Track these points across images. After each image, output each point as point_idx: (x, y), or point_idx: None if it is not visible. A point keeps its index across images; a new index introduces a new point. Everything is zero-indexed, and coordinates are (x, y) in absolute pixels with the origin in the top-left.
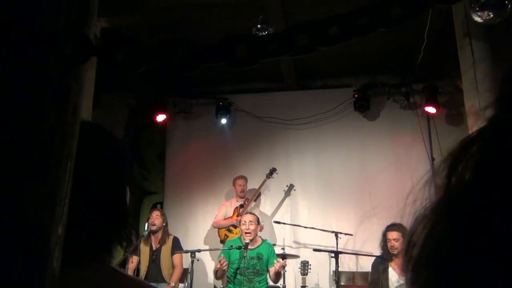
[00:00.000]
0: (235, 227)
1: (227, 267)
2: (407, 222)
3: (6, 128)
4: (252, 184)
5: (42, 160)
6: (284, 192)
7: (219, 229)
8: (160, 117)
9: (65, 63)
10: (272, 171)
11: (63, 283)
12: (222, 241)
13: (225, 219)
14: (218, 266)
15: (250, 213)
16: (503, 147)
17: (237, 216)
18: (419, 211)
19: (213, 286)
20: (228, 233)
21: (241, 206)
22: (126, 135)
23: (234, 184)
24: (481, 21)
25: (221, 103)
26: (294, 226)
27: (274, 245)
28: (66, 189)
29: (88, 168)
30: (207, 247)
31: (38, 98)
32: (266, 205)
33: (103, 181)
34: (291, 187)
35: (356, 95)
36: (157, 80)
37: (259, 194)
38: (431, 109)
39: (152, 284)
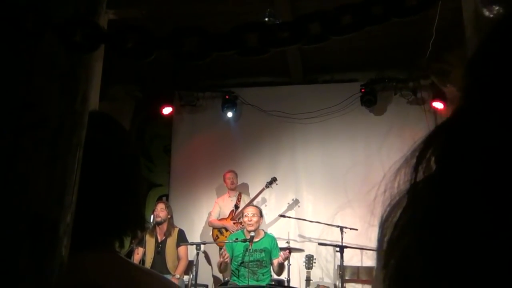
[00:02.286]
0: (227, 230)
1: (231, 260)
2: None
3: (16, 116)
4: (257, 177)
5: (51, 149)
6: (288, 204)
7: (212, 228)
8: (166, 110)
9: (75, 51)
10: (272, 180)
11: (72, 269)
12: (214, 240)
13: (219, 219)
14: (221, 259)
15: (254, 205)
16: (465, 138)
17: (231, 219)
18: (389, 200)
19: (217, 278)
20: (219, 235)
21: (236, 207)
22: (132, 128)
23: (223, 178)
24: (491, 15)
25: (227, 97)
26: (299, 220)
27: (279, 239)
28: (75, 178)
29: (99, 157)
30: (212, 240)
31: (47, 86)
32: (271, 199)
33: (114, 170)
34: (296, 201)
35: (363, 90)
36: (164, 73)
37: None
38: (438, 105)
39: None
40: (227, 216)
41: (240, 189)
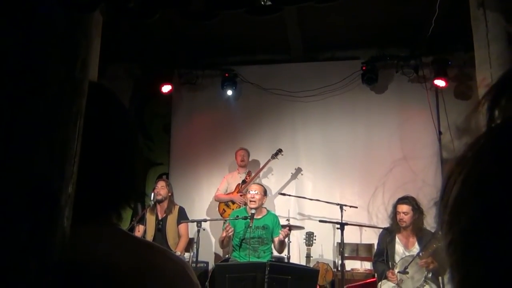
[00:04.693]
0: (233, 203)
1: (233, 236)
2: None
3: (14, 82)
4: (257, 156)
5: (51, 117)
6: (291, 174)
7: (219, 202)
8: (166, 88)
9: (75, 10)
10: (278, 152)
11: (72, 241)
12: (221, 215)
13: (226, 194)
14: (224, 234)
15: (259, 184)
16: None
17: (238, 192)
18: (458, 153)
19: (218, 255)
20: (226, 208)
21: (244, 182)
22: (132, 106)
23: (235, 156)
24: None
25: (227, 75)
26: (299, 198)
27: (279, 216)
28: (75, 148)
29: (96, 128)
30: (217, 215)
31: (46, 52)
32: (271, 177)
33: (111, 142)
34: (298, 170)
35: (364, 68)
36: (163, 51)
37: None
38: (440, 83)
39: None
40: (233, 191)
41: (250, 166)
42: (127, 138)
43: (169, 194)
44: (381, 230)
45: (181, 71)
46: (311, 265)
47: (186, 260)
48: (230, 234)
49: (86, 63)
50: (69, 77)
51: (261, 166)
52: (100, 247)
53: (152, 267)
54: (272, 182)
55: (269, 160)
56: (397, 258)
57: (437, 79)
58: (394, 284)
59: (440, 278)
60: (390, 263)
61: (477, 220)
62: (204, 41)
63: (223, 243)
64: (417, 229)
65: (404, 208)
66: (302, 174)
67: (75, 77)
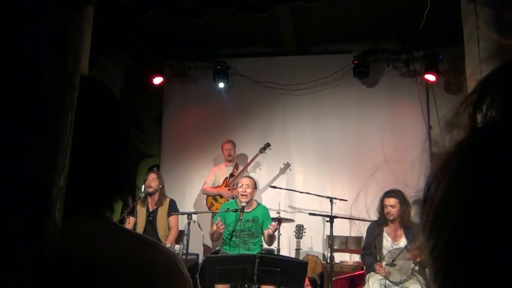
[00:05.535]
0: (221, 197)
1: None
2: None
3: (6, 76)
4: (248, 148)
5: (44, 110)
6: (280, 169)
7: (207, 196)
8: (157, 80)
9: (67, 5)
10: (266, 146)
11: (64, 233)
12: (209, 208)
13: (214, 187)
14: (215, 228)
15: (248, 176)
16: None
17: (226, 186)
18: (439, 154)
19: (208, 247)
20: (214, 202)
21: (231, 175)
22: (123, 98)
23: (221, 149)
24: None
25: (219, 67)
26: (289, 191)
27: (270, 209)
28: (67, 141)
29: (90, 121)
30: (206, 209)
31: (39, 46)
32: (261, 171)
33: (104, 134)
34: (287, 165)
35: (355, 62)
36: (155, 42)
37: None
38: (430, 77)
39: None
40: (221, 184)
41: (238, 159)
42: (120, 130)
43: (160, 187)
44: (369, 223)
45: (173, 63)
46: (301, 257)
47: (177, 252)
48: (221, 231)
49: (78, 57)
50: (61, 71)
51: (250, 159)
52: (92, 240)
53: (144, 260)
54: (262, 175)
55: (257, 154)
56: (385, 251)
57: (428, 73)
58: (381, 277)
59: (427, 270)
60: (378, 255)
61: (463, 225)
62: (197, 33)
63: (213, 236)
64: (404, 222)
65: (391, 201)
66: (290, 170)
67: (67, 71)
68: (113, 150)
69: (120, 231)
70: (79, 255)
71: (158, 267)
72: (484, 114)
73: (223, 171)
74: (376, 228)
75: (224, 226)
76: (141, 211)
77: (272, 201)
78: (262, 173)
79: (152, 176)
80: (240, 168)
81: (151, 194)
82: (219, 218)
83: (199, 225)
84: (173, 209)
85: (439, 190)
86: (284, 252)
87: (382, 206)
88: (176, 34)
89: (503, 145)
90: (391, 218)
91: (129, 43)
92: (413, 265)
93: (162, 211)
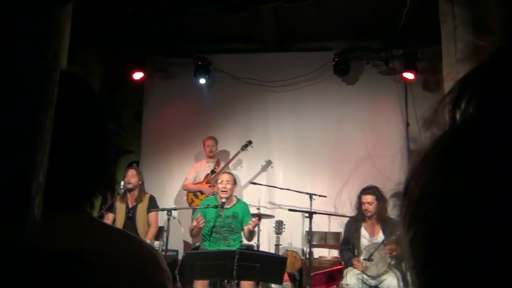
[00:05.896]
0: (202, 193)
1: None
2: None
3: None
4: (229, 145)
5: (23, 105)
6: (261, 166)
7: (188, 192)
8: (137, 75)
9: (47, 2)
10: (248, 143)
11: (43, 229)
12: (189, 204)
13: (195, 183)
14: (195, 224)
15: (228, 172)
16: (510, 75)
17: (207, 182)
18: (421, 151)
19: (188, 243)
20: (194, 198)
21: (212, 171)
22: (102, 93)
23: (203, 145)
24: None
25: (200, 63)
26: (270, 188)
27: (250, 205)
28: (47, 137)
29: (70, 117)
30: (186, 205)
31: (18, 42)
32: (242, 167)
33: (84, 130)
34: (269, 162)
35: (336, 59)
36: (135, 37)
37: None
38: (409, 75)
39: None
40: (202, 181)
41: (220, 156)
42: (99, 126)
43: (140, 183)
44: (347, 219)
45: (153, 58)
46: (280, 253)
47: (156, 248)
48: (201, 225)
49: (58, 53)
50: (41, 67)
51: (231, 157)
52: (72, 235)
53: (123, 254)
54: (243, 171)
55: (238, 152)
56: (362, 246)
57: (406, 71)
58: (359, 271)
59: (403, 264)
60: (356, 251)
61: (442, 216)
62: (178, 28)
63: (193, 232)
64: (381, 218)
65: (368, 198)
66: (272, 167)
67: (47, 67)
68: (92, 146)
69: (100, 226)
70: (59, 250)
71: (139, 261)
72: (462, 111)
73: (204, 167)
74: (354, 224)
75: (204, 220)
76: (120, 207)
77: (252, 197)
78: (244, 170)
79: (131, 172)
80: (222, 164)
81: (130, 190)
82: (199, 214)
83: (179, 222)
84: (152, 205)
85: (419, 183)
86: (263, 248)
87: (359, 203)
88: (157, 29)
89: (480, 140)
90: (369, 214)
91: (109, 38)
92: (389, 259)
93: (142, 208)
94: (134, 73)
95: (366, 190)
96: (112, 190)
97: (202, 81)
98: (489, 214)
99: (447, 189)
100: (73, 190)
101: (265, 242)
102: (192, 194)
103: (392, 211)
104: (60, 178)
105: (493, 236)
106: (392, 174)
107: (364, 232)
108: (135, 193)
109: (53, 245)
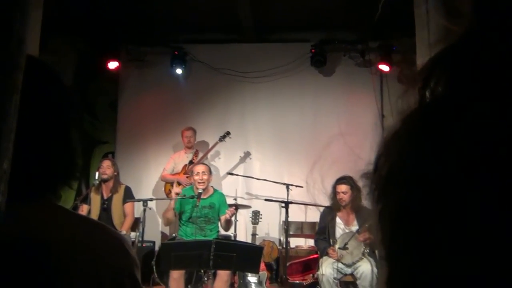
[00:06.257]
0: (180, 184)
1: (180, 216)
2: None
3: None
4: (206, 136)
5: None
6: (240, 157)
7: (165, 182)
8: (112, 65)
9: None
10: (226, 134)
11: (7, 218)
12: (167, 195)
13: (173, 174)
14: (170, 212)
15: (203, 163)
16: (477, 56)
17: (184, 173)
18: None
19: (165, 234)
20: (171, 189)
21: (191, 162)
22: (76, 82)
23: (181, 136)
24: None
25: (176, 53)
26: (247, 178)
27: (227, 196)
28: (11, 123)
29: (33, 104)
30: (164, 195)
31: None
32: (220, 158)
33: (48, 118)
34: (247, 154)
35: (313, 50)
36: (110, 25)
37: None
38: (384, 67)
39: None
40: (180, 171)
41: (198, 146)
42: (65, 115)
43: (115, 174)
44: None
45: (128, 47)
46: (257, 243)
47: (133, 240)
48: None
49: (22, 38)
50: (4, 52)
51: (209, 147)
52: (34, 222)
53: (89, 241)
54: (221, 162)
55: (216, 143)
56: (337, 235)
57: (382, 63)
58: (334, 260)
59: (376, 251)
60: (331, 240)
61: (410, 188)
62: (154, 17)
63: (166, 220)
64: (356, 207)
65: (343, 188)
66: (250, 158)
67: (11, 52)
68: (57, 134)
69: (66, 214)
70: (23, 237)
71: (105, 247)
72: (432, 90)
73: (182, 158)
74: (329, 214)
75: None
76: (95, 199)
77: (229, 188)
78: (222, 161)
79: (107, 164)
80: (200, 155)
81: (105, 181)
82: (172, 202)
83: (156, 213)
84: (128, 196)
85: (388, 159)
86: (241, 238)
87: (334, 193)
88: (132, 17)
89: (447, 118)
90: (344, 204)
91: (84, 27)
92: (364, 247)
93: (117, 198)
94: (109, 62)
95: (341, 180)
96: (85, 181)
97: (179, 71)
98: (452, 187)
99: (415, 164)
100: (37, 179)
101: (242, 232)
102: (170, 185)
103: (366, 198)
104: (23, 167)
105: (455, 208)
106: (369, 165)
107: (339, 221)
108: (110, 184)
109: (17, 232)
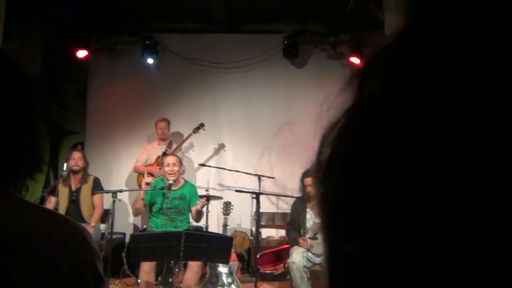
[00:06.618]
0: (152, 175)
1: (150, 207)
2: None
3: None
4: (178, 127)
5: None
6: (214, 149)
7: (138, 174)
8: (81, 53)
9: None
10: (200, 126)
11: None
12: (139, 186)
13: (146, 165)
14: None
15: (173, 154)
16: (413, 52)
17: (157, 164)
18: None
19: (136, 226)
20: (143, 179)
21: (164, 154)
22: (43, 71)
23: (155, 127)
24: None
25: (147, 42)
26: (219, 169)
27: (199, 187)
28: None
29: None
30: (137, 186)
31: None
32: (194, 150)
33: (5, 109)
34: (221, 146)
35: (285, 42)
36: (79, 13)
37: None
38: (355, 60)
39: None
40: (153, 163)
41: (173, 138)
42: (25, 104)
43: (85, 165)
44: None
45: (98, 36)
46: (229, 234)
47: (102, 231)
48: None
49: None
50: None
51: (183, 139)
52: None
53: (49, 231)
54: (194, 154)
55: (190, 134)
56: (308, 226)
57: (353, 56)
58: (304, 249)
59: None
60: (302, 230)
61: (347, 174)
62: (125, 5)
63: (135, 211)
64: None
65: (309, 181)
66: (225, 151)
67: None
68: (16, 124)
69: (26, 205)
70: None
71: (65, 238)
72: (369, 85)
73: (156, 149)
74: (300, 205)
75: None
76: (63, 191)
77: (201, 179)
78: (195, 152)
79: (77, 155)
80: (174, 146)
81: (76, 173)
82: (142, 192)
83: (127, 204)
84: (97, 187)
85: (329, 150)
86: (212, 229)
87: (303, 186)
88: (103, 5)
89: (381, 113)
90: (312, 195)
91: (51, 13)
92: None
93: (86, 190)
94: (77, 51)
95: (307, 173)
96: (37, 170)
97: (150, 61)
98: (385, 180)
99: (353, 151)
100: None
101: (214, 224)
102: (143, 176)
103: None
104: None
105: (388, 198)
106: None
107: (309, 212)
108: (79, 175)
109: None
